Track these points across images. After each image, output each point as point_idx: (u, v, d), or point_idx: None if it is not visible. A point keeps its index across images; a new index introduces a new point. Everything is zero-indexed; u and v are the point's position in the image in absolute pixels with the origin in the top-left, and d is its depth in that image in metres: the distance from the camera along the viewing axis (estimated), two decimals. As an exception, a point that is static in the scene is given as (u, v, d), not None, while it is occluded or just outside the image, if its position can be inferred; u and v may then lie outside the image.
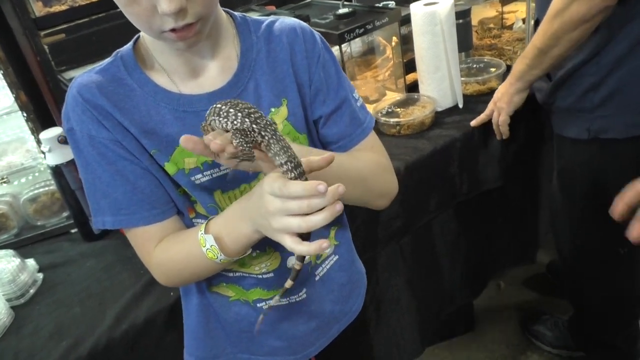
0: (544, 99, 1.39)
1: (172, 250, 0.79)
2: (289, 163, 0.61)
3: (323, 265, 0.93)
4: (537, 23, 1.36)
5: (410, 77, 1.70)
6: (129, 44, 0.79)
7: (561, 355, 1.77)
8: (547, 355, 1.79)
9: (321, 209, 0.60)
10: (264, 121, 0.64)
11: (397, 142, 1.45)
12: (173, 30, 0.67)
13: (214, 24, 0.75)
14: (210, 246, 0.73)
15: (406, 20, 1.61)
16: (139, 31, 0.77)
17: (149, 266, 0.83)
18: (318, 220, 0.61)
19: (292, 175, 0.61)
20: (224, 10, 0.82)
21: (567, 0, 1.12)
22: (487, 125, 1.49)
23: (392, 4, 1.74)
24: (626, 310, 1.57)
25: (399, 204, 1.36)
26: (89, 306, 1.10)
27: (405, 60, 1.66)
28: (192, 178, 0.78)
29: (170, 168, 0.77)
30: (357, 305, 1.02)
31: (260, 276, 0.87)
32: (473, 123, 1.46)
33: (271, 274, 0.87)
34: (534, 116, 1.55)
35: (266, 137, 0.63)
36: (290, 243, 0.63)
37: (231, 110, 0.64)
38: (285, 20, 0.84)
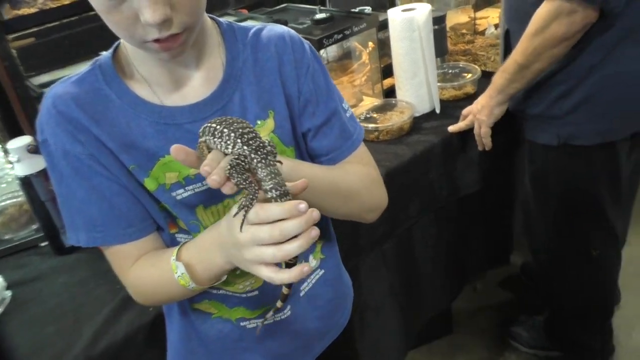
0: (516, 106, 1.41)
1: (146, 273, 0.76)
2: (274, 190, 0.59)
3: (308, 281, 0.91)
4: (507, 34, 1.37)
5: (386, 82, 1.70)
6: (108, 52, 0.75)
7: (538, 355, 1.80)
8: (524, 356, 1.81)
9: (295, 236, 0.58)
10: (257, 142, 0.61)
11: (376, 148, 1.44)
12: (157, 40, 0.63)
13: (199, 32, 0.71)
14: (182, 274, 0.71)
15: (383, 26, 1.61)
16: (115, 35, 0.73)
17: (125, 284, 0.80)
18: (293, 248, 0.59)
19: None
20: (209, 17, 0.78)
21: (547, 19, 1.14)
22: (465, 130, 1.51)
23: (368, 9, 1.74)
24: (600, 309, 1.61)
25: (380, 210, 1.35)
26: (64, 324, 1.04)
27: (381, 66, 1.66)
28: (173, 193, 0.75)
29: (150, 184, 0.74)
30: (343, 319, 1.00)
31: (244, 295, 0.84)
32: (451, 129, 1.47)
33: (256, 292, 0.84)
34: (510, 122, 1.57)
35: (255, 160, 0.60)
36: (268, 273, 0.61)
37: (225, 130, 0.61)
38: (274, 28, 0.80)
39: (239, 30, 0.79)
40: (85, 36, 1.33)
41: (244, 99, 0.76)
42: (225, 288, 0.84)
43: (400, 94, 1.58)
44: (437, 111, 1.56)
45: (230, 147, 0.61)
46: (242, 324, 0.87)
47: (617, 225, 1.47)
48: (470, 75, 1.65)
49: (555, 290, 1.66)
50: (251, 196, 0.59)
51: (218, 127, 0.62)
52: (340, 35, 1.47)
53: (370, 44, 1.67)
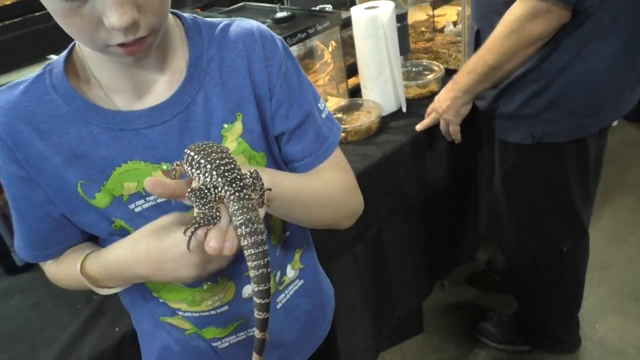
0: (487, 106, 1.40)
1: (61, 275, 0.77)
2: (244, 227, 0.55)
3: (286, 292, 0.86)
4: (478, 34, 1.36)
5: (350, 82, 1.67)
6: (61, 56, 0.68)
7: (507, 351, 1.82)
8: (494, 352, 1.83)
9: None
10: (234, 174, 0.57)
11: (345, 149, 1.40)
12: (122, 44, 0.57)
13: (163, 32, 0.65)
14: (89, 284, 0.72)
15: (344, 24, 1.58)
16: (65, 36, 0.66)
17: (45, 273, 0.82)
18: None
19: (246, 242, 0.55)
20: (171, 12, 0.71)
21: (522, 19, 1.12)
22: (433, 129, 1.50)
23: (329, 7, 1.70)
24: (569, 303, 1.64)
25: (352, 212, 1.32)
26: (19, 351, 0.96)
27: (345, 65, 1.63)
28: (131, 206, 0.69)
29: (101, 199, 0.68)
30: (323, 330, 0.96)
31: (213, 312, 0.79)
32: (418, 127, 1.46)
33: (226, 307, 0.79)
34: (475, 120, 1.58)
35: (228, 193, 0.56)
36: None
37: (202, 160, 0.57)
38: (242, 24, 0.73)
39: (204, 26, 0.72)
40: (31, 38, 1.23)
41: (208, 100, 0.70)
42: (192, 309, 0.78)
43: (365, 93, 1.55)
44: (404, 110, 1.55)
45: (207, 179, 0.57)
46: (213, 344, 0.82)
47: (585, 219, 1.49)
48: (434, 73, 1.65)
49: (525, 285, 1.68)
50: (208, 219, 0.55)
51: (196, 156, 0.58)
52: (304, 35, 1.43)
53: (333, 42, 1.63)
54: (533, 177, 1.42)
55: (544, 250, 1.53)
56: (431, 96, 1.61)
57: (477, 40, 1.35)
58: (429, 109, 1.48)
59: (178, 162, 0.60)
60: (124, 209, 0.69)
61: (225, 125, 0.71)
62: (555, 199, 1.43)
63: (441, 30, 2.05)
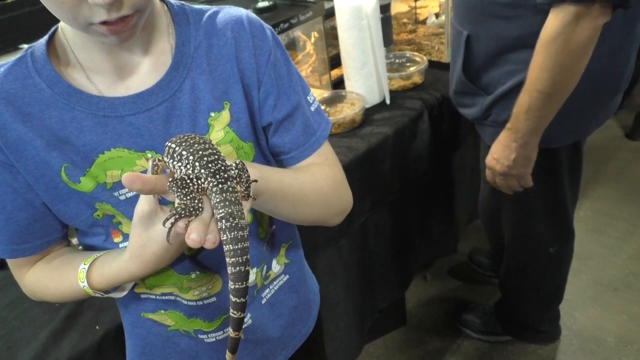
0: (479, 113, 1.33)
1: (47, 282, 0.72)
2: (224, 220, 0.52)
3: (271, 287, 0.85)
4: (468, 40, 1.27)
5: (333, 73, 1.66)
6: (44, 38, 0.66)
7: (489, 341, 1.83)
8: (476, 343, 1.84)
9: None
10: (218, 165, 0.54)
11: (329, 141, 1.37)
12: (105, 22, 0.55)
13: (148, 15, 0.63)
14: (101, 295, 0.69)
15: (328, 15, 1.56)
16: (38, 25, 0.64)
17: (20, 285, 0.77)
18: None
19: (225, 237, 0.52)
20: None
21: (566, 29, 1.01)
22: (416, 120, 1.49)
23: (311, -2, 1.68)
24: (551, 298, 1.66)
25: (336, 206, 1.31)
26: (-6, 353, 0.93)
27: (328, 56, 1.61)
28: (116, 193, 0.67)
29: (86, 184, 0.66)
30: (307, 327, 0.95)
31: (200, 302, 0.77)
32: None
33: (213, 299, 0.78)
34: (453, 116, 1.58)
35: (211, 184, 0.54)
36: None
37: (184, 152, 0.55)
38: (231, 11, 0.72)
39: (191, 12, 0.71)
40: (4, 27, 1.18)
41: (195, 88, 0.68)
42: (182, 295, 0.77)
43: (349, 84, 1.54)
44: (387, 102, 1.54)
45: (189, 171, 0.54)
46: (200, 336, 0.81)
47: (572, 219, 1.49)
48: (417, 65, 1.64)
49: (511, 281, 1.69)
50: (189, 210, 0.53)
51: (177, 148, 0.56)
52: (286, 25, 1.41)
53: (315, 33, 1.61)
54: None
55: (532, 252, 1.54)
56: (414, 88, 1.61)
57: (468, 47, 1.28)
58: (487, 172, 1.34)
59: (160, 157, 0.58)
60: (108, 195, 0.67)
61: (213, 114, 0.69)
62: (547, 202, 1.41)
63: (423, 22, 2.05)
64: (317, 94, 1.60)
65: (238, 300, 0.54)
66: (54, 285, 0.71)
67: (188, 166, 0.55)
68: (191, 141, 0.56)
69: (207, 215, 0.54)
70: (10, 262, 0.74)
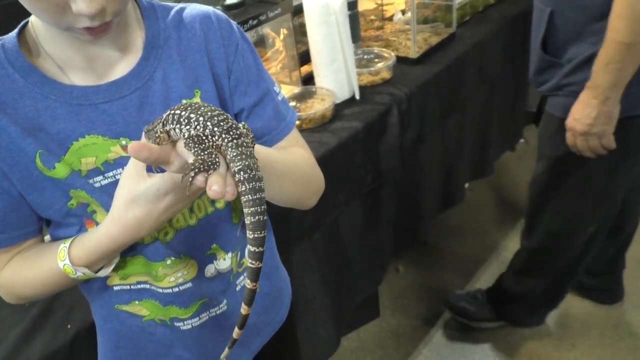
0: (554, 84, 1.30)
1: (26, 275, 0.71)
2: (242, 172, 0.54)
3: (245, 274, 0.86)
4: (552, 16, 1.26)
5: (303, 70, 1.67)
6: (14, 32, 0.67)
7: (481, 328, 1.86)
8: (449, 332, 1.88)
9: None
10: (229, 124, 0.57)
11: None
12: (86, 28, 0.59)
13: None
14: (83, 273, 0.68)
15: (296, 12, 1.57)
16: (13, 18, 0.66)
17: None
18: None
19: (243, 188, 0.54)
20: None
21: None
22: (386, 115, 1.52)
23: (279, -5, 1.68)
24: (564, 277, 1.66)
25: (309, 200, 1.32)
26: (-37, 355, 0.91)
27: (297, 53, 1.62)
28: (91, 181, 0.68)
29: (61, 170, 0.67)
30: (280, 314, 0.97)
31: (176, 288, 0.78)
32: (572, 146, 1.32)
33: (189, 284, 0.79)
34: (420, 111, 1.61)
35: (225, 140, 0.56)
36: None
37: (192, 115, 0.56)
38: (197, 7, 0.76)
39: (159, 7, 0.74)
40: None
41: (166, 77, 0.71)
42: (156, 284, 0.77)
43: (319, 80, 1.55)
44: (357, 97, 1.56)
45: (199, 132, 0.56)
46: (176, 324, 0.81)
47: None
48: (385, 60, 1.66)
49: (535, 260, 1.68)
50: (207, 164, 0.54)
51: (184, 112, 0.57)
52: (255, 22, 1.41)
53: (284, 30, 1.62)
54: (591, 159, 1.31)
55: (572, 230, 1.52)
56: (383, 84, 1.63)
57: (550, 23, 1.27)
58: (568, 135, 1.31)
59: (161, 129, 0.59)
60: (83, 182, 0.68)
61: (184, 101, 0.71)
62: (607, 178, 1.38)
63: (390, 19, 2.08)
64: (287, 90, 1.61)
65: (257, 250, 0.56)
66: (31, 274, 0.70)
67: (198, 127, 0.56)
68: (196, 105, 0.58)
69: (224, 170, 0.56)
70: None
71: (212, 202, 0.77)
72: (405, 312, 1.98)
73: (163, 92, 0.71)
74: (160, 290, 0.78)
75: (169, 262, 0.76)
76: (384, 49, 1.72)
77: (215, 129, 0.56)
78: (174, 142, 0.59)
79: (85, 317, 0.94)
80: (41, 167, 0.66)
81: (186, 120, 0.56)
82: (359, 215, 1.57)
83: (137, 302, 0.79)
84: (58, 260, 0.67)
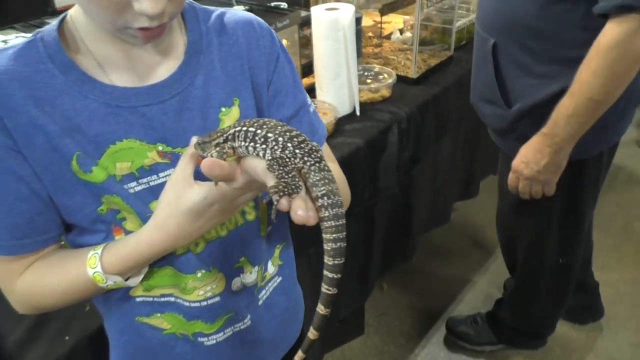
0: (504, 126, 1.32)
1: (50, 281, 0.67)
2: (326, 197, 0.53)
3: (266, 288, 0.84)
4: (494, 48, 1.26)
5: (303, 82, 1.66)
6: (53, 25, 0.64)
7: (485, 351, 1.86)
8: (433, 351, 1.88)
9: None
10: (309, 146, 0.55)
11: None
12: (142, 28, 0.57)
13: None
14: (114, 282, 0.66)
15: (301, 24, 1.56)
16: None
17: (7, 293, 0.70)
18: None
19: (325, 214, 0.53)
20: None
21: (625, 39, 1.02)
22: (386, 132, 1.52)
23: (283, 5, 1.68)
24: (556, 303, 1.71)
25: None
26: (-49, 365, 0.86)
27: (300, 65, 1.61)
28: (125, 186, 0.66)
29: (98, 174, 0.64)
30: (295, 330, 0.95)
31: (204, 302, 0.76)
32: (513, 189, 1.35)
33: (217, 298, 0.77)
34: (417, 131, 1.62)
35: (308, 164, 0.54)
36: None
37: (270, 134, 0.54)
38: (239, 13, 0.74)
39: (201, 11, 0.72)
40: None
41: (207, 83, 0.70)
42: (183, 297, 0.75)
43: (320, 94, 1.54)
44: (357, 113, 1.56)
45: (276, 152, 0.54)
46: (199, 339, 0.79)
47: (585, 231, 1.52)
48: (386, 78, 1.67)
49: (523, 291, 1.72)
50: (292, 188, 0.52)
51: (259, 131, 0.55)
52: (263, 31, 1.40)
53: (285, 41, 1.61)
54: (555, 195, 1.32)
55: (545, 262, 1.57)
56: (383, 101, 1.64)
57: (494, 56, 1.27)
58: (511, 176, 1.32)
59: (229, 145, 0.57)
60: (119, 188, 0.66)
61: (223, 109, 0.71)
62: (567, 214, 1.42)
63: (387, 37, 2.09)
64: (288, 102, 1.59)
65: (335, 277, 0.55)
66: (56, 281, 0.67)
67: (275, 147, 0.54)
68: (270, 124, 0.56)
69: (304, 193, 0.54)
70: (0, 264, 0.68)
71: (243, 213, 0.75)
72: (389, 330, 1.98)
73: (203, 98, 0.69)
74: (187, 304, 0.75)
75: (199, 274, 0.73)
76: (384, 67, 1.73)
77: (297, 151, 0.54)
78: (239, 159, 0.57)
79: (84, 328, 0.90)
80: (76, 169, 0.63)
81: (262, 139, 0.55)
82: (351, 232, 1.55)
83: (159, 315, 0.76)
84: (87, 268, 0.64)
